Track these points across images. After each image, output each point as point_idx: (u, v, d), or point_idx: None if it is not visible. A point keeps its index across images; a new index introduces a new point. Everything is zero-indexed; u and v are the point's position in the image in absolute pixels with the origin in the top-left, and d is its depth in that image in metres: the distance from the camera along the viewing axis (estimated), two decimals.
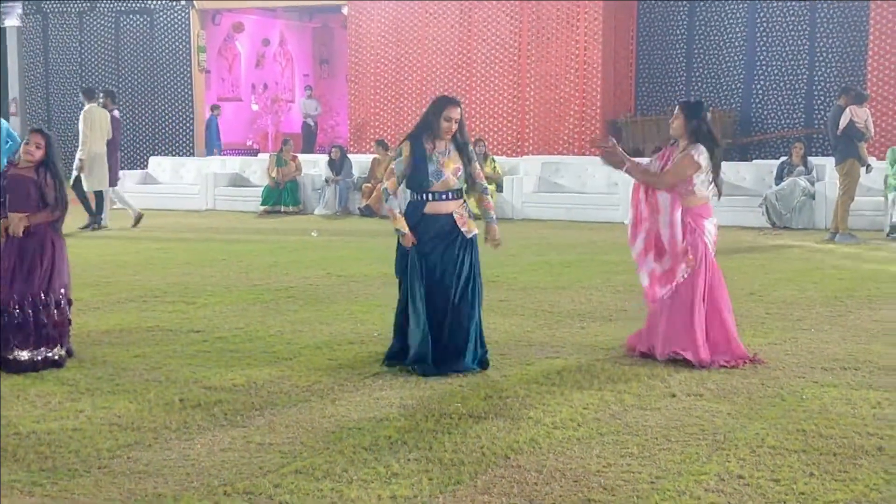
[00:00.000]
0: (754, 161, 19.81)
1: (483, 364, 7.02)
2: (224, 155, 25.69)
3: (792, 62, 22.98)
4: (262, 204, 19.85)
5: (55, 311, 7.12)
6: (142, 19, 27.74)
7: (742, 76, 23.52)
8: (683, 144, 7.31)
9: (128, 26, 27.99)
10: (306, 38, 32.42)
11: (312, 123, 29.91)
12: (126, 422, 5.77)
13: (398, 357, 7.10)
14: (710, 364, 7.00)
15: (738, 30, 23.45)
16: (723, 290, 7.40)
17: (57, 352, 7.07)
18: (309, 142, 29.18)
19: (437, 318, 6.94)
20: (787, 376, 6.78)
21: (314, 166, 20.90)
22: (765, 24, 23.23)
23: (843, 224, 14.58)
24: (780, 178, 16.64)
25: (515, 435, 5.51)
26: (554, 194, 18.85)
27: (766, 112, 23.41)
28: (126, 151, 25.43)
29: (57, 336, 7.12)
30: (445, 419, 5.81)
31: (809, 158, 17.39)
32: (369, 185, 19.38)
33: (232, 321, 8.66)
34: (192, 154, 26.07)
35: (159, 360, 7.29)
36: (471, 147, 7.21)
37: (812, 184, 16.52)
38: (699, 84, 24.00)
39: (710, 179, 7.36)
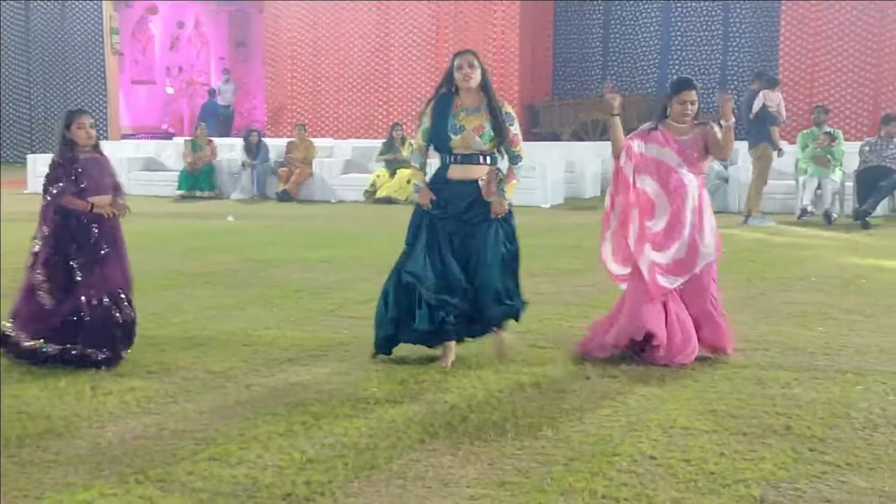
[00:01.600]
0: None
1: (512, 313, 6.83)
2: (139, 138, 25.37)
3: (706, 47, 23.28)
4: (178, 188, 19.65)
5: (128, 310, 6.89)
6: (53, 2, 27.22)
7: (657, 61, 23.76)
8: (685, 127, 6.93)
9: (39, 8, 27.44)
10: (222, 22, 32.09)
11: (226, 106, 29.49)
12: (35, 410, 5.67)
13: (394, 340, 6.78)
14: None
15: (653, 15, 23.69)
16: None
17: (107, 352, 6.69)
18: (217, 125, 28.64)
19: (449, 291, 6.59)
20: (699, 358, 6.85)
21: (230, 150, 20.71)
22: (679, 10, 23.48)
23: (756, 207, 14.80)
24: None
25: (431, 419, 5.51)
26: None
27: None
28: (38, 135, 24.99)
29: (126, 336, 6.83)
30: (361, 404, 5.79)
31: None
32: (286, 169, 19.25)
33: (146, 307, 8.52)
34: (106, 137, 25.69)
35: None
36: (504, 109, 6.64)
37: (725, 167, 16.74)
38: (615, 68, 24.23)
39: None
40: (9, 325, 6.79)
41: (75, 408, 5.73)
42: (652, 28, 23.79)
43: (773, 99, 14.98)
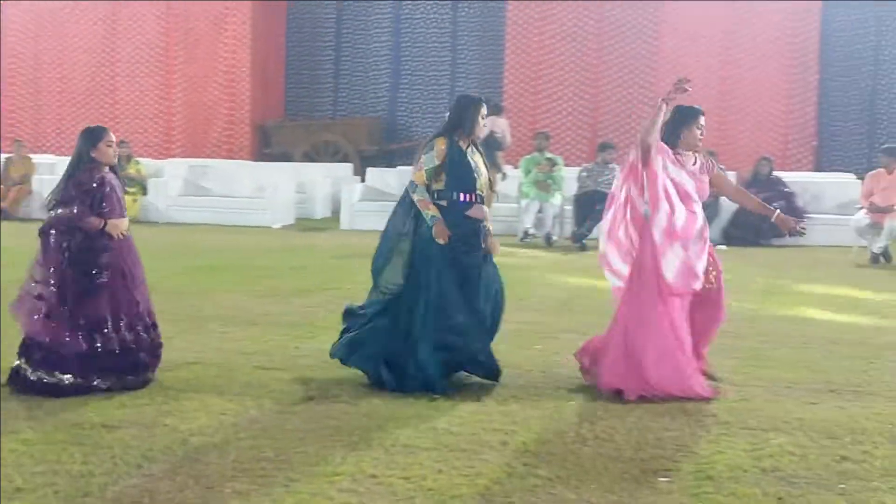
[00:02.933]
0: (398, 168, 20.32)
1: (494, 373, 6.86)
2: None
3: (435, 72, 23.78)
4: None
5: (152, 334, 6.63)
6: None
7: (388, 84, 24.10)
8: (689, 155, 6.77)
9: None
10: None
11: None
12: None
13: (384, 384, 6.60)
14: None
15: (383, 38, 24.02)
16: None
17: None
18: None
19: (449, 330, 6.63)
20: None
21: None
22: (409, 35, 23.93)
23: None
24: None
25: (150, 443, 5.39)
26: (201, 197, 18.60)
27: (411, 120, 24.09)
28: None
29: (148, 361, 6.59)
30: (76, 429, 5.61)
31: None
32: (3, 186, 18.43)
33: None
34: None
35: None
36: (478, 146, 6.90)
37: None
38: (347, 91, 24.42)
39: None
40: (22, 362, 6.42)
41: None
42: (382, 53, 24.11)
43: (498, 125, 15.47)
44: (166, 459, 5.16)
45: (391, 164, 22.07)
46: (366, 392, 6.53)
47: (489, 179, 6.84)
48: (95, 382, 6.35)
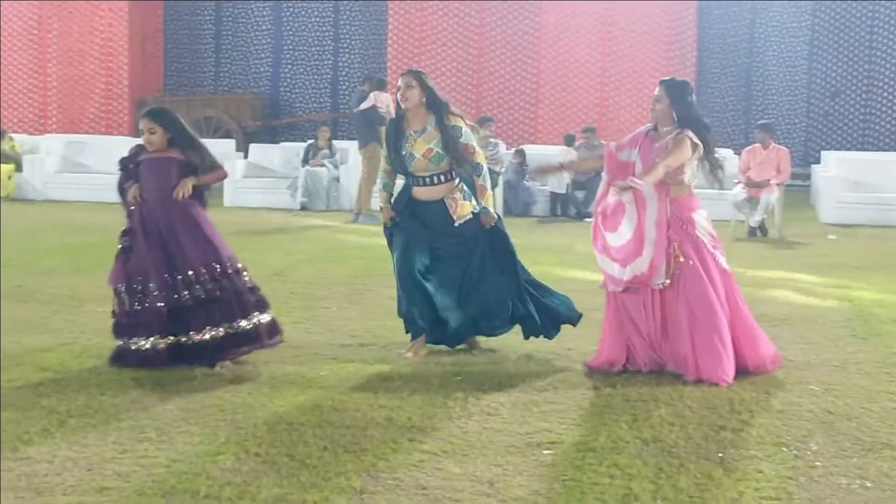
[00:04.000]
0: (282, 144, 20.16)
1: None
2: None
3: (318, 48, 23.61)
4: None
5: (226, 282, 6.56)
6: None
7: (270, 60, 23.86)
8: (667, 130, 6.48)
9: None
10: None
11: None
12: None
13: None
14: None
15: (265, 14, 23.75)
16: (737, 295, 6.59)
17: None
18: None
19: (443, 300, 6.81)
20: (307, 354, 6.94)
21: None
22: (291, 11, 23.69)
23: (366, 205, 15.17)
24: (305, 161, 17.02)
25: (26, 426, 5.26)
26: (79, 174, 18.20)
27: (293, 96, 23.90)
28: None
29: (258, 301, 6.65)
30: None
31: (334, 142, 17.96)
32: None
33: None
34: None
35: None
36: (451, 124, 6.70)
37: (336, 167, 17.05)
38: (228, 66, 24.12)
39: (706, 168, 6.58)
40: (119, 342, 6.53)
41: None
42: (265, 26, 23.85)
43: (382, 100, 15.40)
44: (42, 442, 5.03)
45: (274, 141, 21.90)
46: (249, 372, 6.47)
47: (453, 152, 6.73)
48: (183, 338, 6.48)
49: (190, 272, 6.49)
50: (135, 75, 23.11)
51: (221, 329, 6.49)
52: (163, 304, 6.44)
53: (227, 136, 22.00)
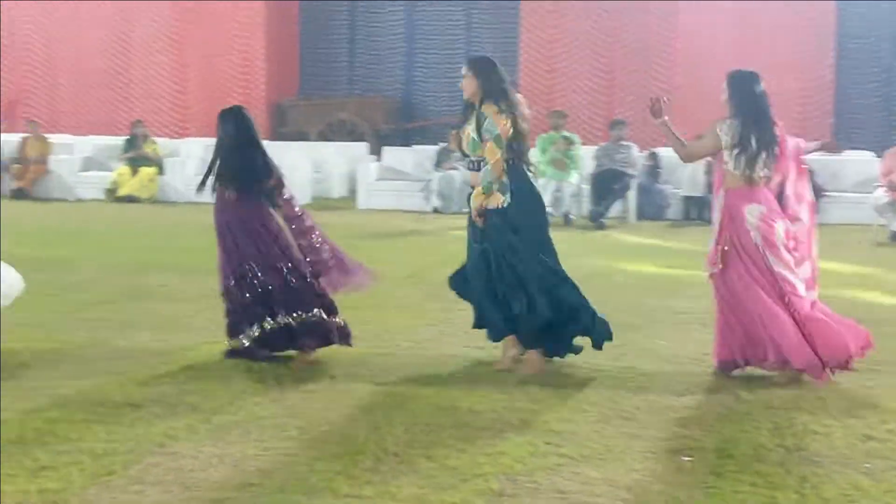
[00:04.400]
0: (415, 147, 20.29)
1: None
2: None
3: (449, 51, 23.67)
4: None
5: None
6: None
7: (403, 63, 24.03)
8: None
9: None
10: None
11: None
12: None
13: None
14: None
15: (397, 17, 23.93)
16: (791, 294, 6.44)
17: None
18: None
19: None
20: (443, 356, 6.98)
21: None
22: (424, 13, 23.83)
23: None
24: (438, 164, 17.12)
25: (172, 422, 5.41)
26: None
27: (426, 98, 24.02)
28: None
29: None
30: (99, 408, 5.62)
31: None
32: (20, 166, 18.48)
33: None
34: None
35: None
36: (486, 114, 6.58)
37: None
38: (362, 69, 24.33)
39: (763, 159, 6.48)
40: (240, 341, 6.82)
41: None
42: (397, 30, 24.04)
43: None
44: (189, 438, 5.17)
45: (407, 143, 22.03)
46: (386, 371, 6.53)
47: (477, 145, 6.61)
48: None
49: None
50: (271, 79, 23.49)
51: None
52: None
53: (360, 139, 22.22)
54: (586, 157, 16.31)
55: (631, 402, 5.91)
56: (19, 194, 18.15)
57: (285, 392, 6.04)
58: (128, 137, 18.92)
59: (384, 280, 9.89)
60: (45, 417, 5.42)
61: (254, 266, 6.79)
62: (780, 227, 6.42)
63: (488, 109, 6.59)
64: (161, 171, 18.37)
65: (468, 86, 6.72)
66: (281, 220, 7.04)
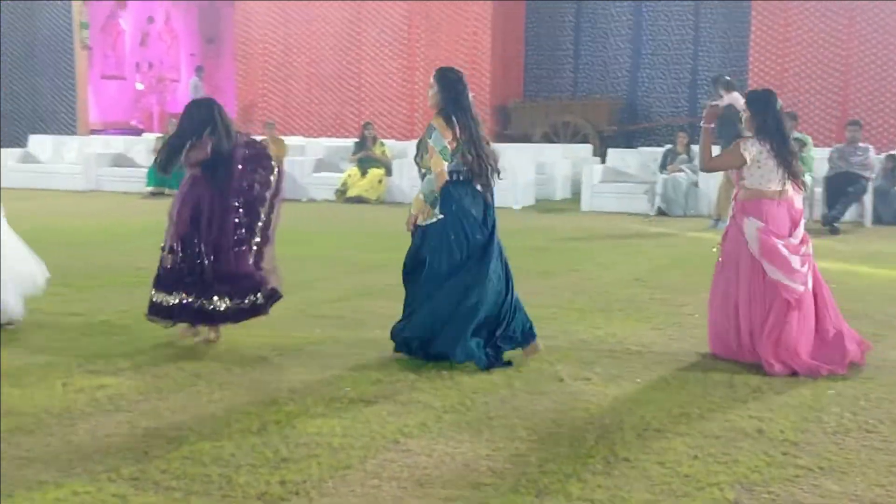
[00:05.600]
0: (639, 149, 20.10)
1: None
2: (108, 134, 25.20)
3: (677, 51, 23.36)
4: (148, 185, 19.47)
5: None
6: None
7: (628, 65, 23.85)
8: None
9: (7, 2, 27.19)
10: (192, 16, 31.88)
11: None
12: (6, 407, 5.62)
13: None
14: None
15: (624, 18, 23.76)
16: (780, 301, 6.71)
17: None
18: None
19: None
20: (671, 360, 6.88)
21: None
22: (650, 14, 23.58)
23: (725, 211, 14.85)
24: (663, 166, 16.89)
25: (405, 419, 5.51)
26: None
27: (651, 100, 23.78)
28: (4, 129, 24.77)
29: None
30: (335, 403, 5.78)
31: (693, 147, 17.71)
32: None
33: (114, 304, 8.49)
34: (74, 132, 25.48)
35: (39, 343, 7.11)
36: (430, 123, 6.87)
37: (695, 172, 16.81)
38: (586, 71, 24.30)
39: (779, 175, 6.94)
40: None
41: (46, 404, 5.68)
42: (623, 30, 23.88)
43: (734, 99, 15.04)
44: (422, 435, 5.25)
45: (631, 145, 21.85)
46: (615, 376, 6.48)
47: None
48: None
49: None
50: (496, 81, 23.71)
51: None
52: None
53: (583, 140, 22.17)
54: (819, 158, 15.79)
55: (872, 415, 5.68)
56: None
57: (514, 393, 6.07)
58: (357, 139, 19.40)
59: (610, 283, 9.85)
60: (285, 411, 5.61)
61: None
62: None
63: (437, 122, 6.75)
64: (389, 172, 18.75)
65: (430, 96, 6.94)
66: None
